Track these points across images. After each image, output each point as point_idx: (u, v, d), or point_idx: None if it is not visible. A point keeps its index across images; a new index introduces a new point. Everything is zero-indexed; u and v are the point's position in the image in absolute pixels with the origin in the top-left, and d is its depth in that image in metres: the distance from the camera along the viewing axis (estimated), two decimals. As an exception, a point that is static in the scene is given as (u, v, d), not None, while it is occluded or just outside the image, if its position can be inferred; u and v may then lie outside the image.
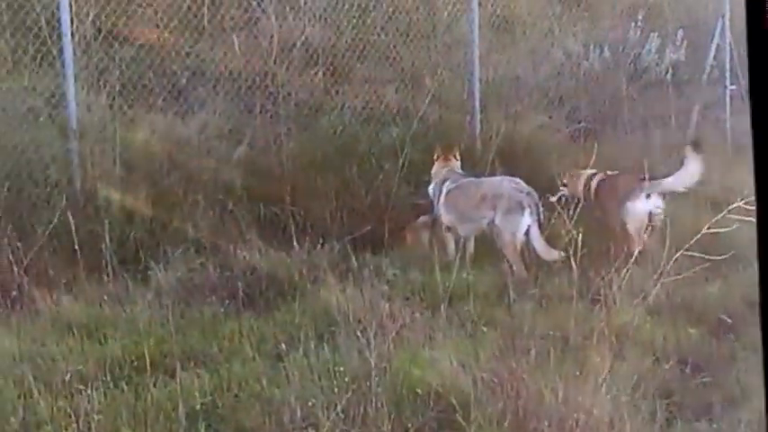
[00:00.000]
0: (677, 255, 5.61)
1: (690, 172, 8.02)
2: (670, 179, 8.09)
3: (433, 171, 8.77)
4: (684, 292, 6.91)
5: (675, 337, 6.29)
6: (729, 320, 6.11)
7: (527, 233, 7.97)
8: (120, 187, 8.43)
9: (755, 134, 2.45)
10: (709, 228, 5.47)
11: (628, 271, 5.78)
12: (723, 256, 6.04)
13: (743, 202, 5.25)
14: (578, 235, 5.17)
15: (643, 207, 8.21)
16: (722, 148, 11.03)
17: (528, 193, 8.12)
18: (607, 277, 6.16)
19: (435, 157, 8.80)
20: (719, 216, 5.46)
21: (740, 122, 12.15)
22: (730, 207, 5.36)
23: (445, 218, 8.45)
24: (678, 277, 5.68)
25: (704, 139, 10.66)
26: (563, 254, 7.19)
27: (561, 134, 11.24)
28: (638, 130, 10.98)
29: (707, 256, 5.75)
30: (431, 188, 8.71)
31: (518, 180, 8.38)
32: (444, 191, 8.45)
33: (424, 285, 7.20)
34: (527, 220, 7.99)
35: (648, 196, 8.19)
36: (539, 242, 7.91)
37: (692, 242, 5.41)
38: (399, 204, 9.05)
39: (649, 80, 11.98)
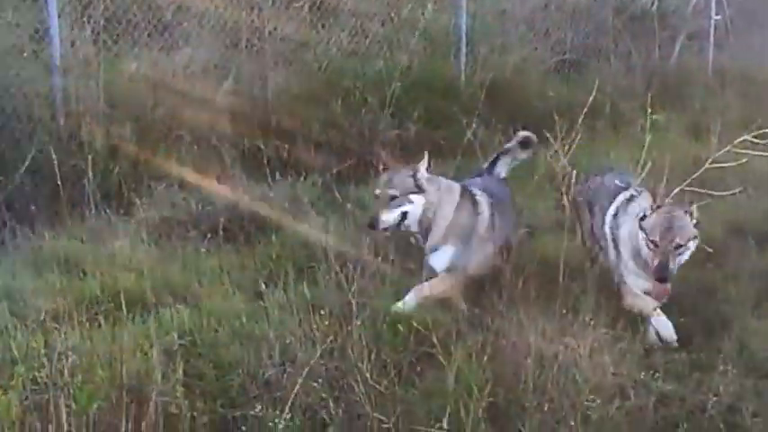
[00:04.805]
0: (676, 190, 5.54)
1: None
2: None
3: None
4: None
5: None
6: (710, 250, 6.08)
7: None
8: (104, 123, 8.35)
9: None
10: (712, 162, 5.35)
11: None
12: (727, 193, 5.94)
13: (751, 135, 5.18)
14: (572, 170, 5.06)
15: None
16: (705, 77, 10.97)
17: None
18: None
19: None
20: (725, 150, 5.35)
21: (724, 52, 12.10)
22: (737, 141, 5.24)
23: None
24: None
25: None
26: None
27: (546, 66, 11.16)
28: (623, 60, 10.90)
29: (710, 192, 5.64)
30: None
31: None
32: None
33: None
34: None
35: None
36: None
37: (693, 177, 5.31)
38: (383, 137, 8.97)
39: (635, 12, 11.87)
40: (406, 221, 5.96)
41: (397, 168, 6.09)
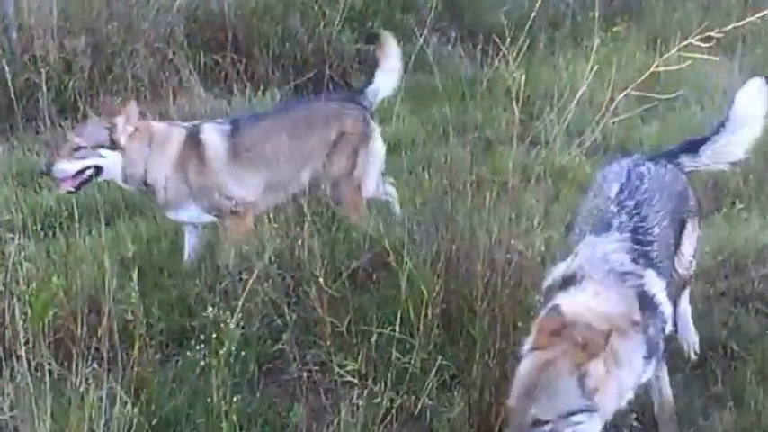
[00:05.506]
0: (621, 95, 5.54)
1: None
2: None
3: None
4: (621, 133, 7.00)
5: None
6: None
7: None
8: (58, 36, 8.25)
9: None
10: (657, 66, 5.32)
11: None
12: (667, 96, 5.92)
13: (696, 38, 5.16)
14: (521, 77, 5.03)
15: None
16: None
17: None
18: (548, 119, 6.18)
19: None
20: (669, 54, 5.31)
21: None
22: (681, 44, 5.22)
23: None
24: (618, 119, 5.56)
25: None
26: None
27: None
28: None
29: (654, 95, 5.62)
30: None
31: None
32: None
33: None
34: None
35: None
36: None
37: (638, 82, 5.31)
38: (341, 50, 8.92)
39: None
40: (103, 176, 5.39)
41: (106, 115, 5.42)
